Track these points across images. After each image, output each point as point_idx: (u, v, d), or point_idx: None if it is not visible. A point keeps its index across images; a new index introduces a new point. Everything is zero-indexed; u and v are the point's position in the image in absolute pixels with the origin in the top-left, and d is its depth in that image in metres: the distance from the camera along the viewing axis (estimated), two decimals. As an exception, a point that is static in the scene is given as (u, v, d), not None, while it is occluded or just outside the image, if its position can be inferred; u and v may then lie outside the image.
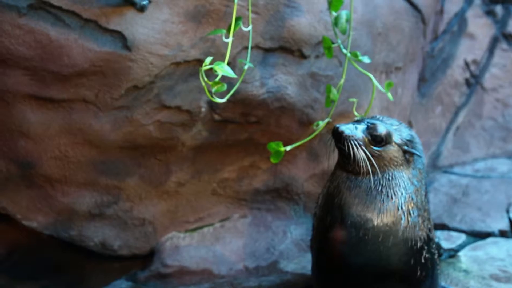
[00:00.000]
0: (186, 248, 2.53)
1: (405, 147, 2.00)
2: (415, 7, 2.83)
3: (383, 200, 1.94)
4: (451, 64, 3.26)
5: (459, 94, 3.32)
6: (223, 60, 1.94)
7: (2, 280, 2.48)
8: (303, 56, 2.36)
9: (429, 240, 2.00)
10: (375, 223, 1.92)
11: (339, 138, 1.98)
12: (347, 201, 1.96)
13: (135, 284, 2.47)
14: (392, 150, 1.99)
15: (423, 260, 1.96)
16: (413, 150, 2.01)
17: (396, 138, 2.00)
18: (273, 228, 2.65)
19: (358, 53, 2.18)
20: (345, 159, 1.99)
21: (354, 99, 2.27)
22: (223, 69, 1.90)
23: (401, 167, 2.00)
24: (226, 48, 1.98)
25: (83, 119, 2.13)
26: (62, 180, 2.29)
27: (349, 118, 2.49)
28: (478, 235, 2.75)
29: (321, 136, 2.44)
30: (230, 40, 1.97)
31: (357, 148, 1.95)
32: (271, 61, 2.32)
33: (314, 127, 2.25)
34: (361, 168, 1.97)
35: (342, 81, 2.22)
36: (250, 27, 2.07)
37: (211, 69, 1.89)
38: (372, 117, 2.10)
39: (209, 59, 1.88)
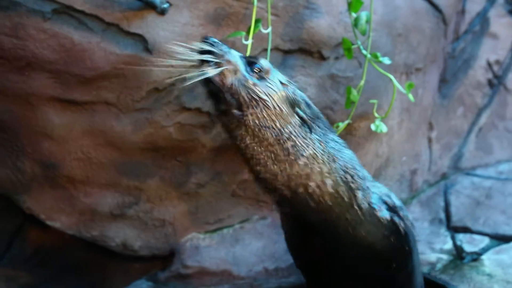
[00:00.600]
0: (206, 249, 2.54)
1: (297, 106, 1.66)
2: (436, 7, 2.79)
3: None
4: (473, 65, 3.21)
5: (482, 95, 3.27)
6: (242, 63, 1.95)
7: (26, 279, 2.52)
8: (323, 58, 2.35)
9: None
10: None
11: (206, 52, 1.63)
12: None
13: (155, 284, 2.48)
14: (277, 96, 1.62)
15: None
16: (303, 114, 1.66)
17: (282, 77, 1.69)
18: (293, 229, 2.64)
19: (378, 54, 2.17)
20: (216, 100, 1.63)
21: (375, 101, 2.25)
22: (242, 71, 1.90)
23: (294, 133, 1.64)
24: (246, 51, 1.99)
25: (105, 121, 2.17)
26: (84, 181, 2.33)
27: (369, 120, 2.48)
28: (502, 239, 2.69)
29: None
30: (249, 42, 1.98)
31: (218, 71, 1.58)
32: (291, 63, 2.32)
33: (334, 129, 2.24)
34: (228, 119, 1.62)
35: (362, 82, 2.20)
36: (269, 29, 2.08)
37: (231, 71, 1.90)
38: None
39: (229, 62, 1.88)
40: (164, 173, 2.39)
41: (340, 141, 1.79)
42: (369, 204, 1.72)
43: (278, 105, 1.61)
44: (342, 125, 2.22)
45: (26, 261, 2.54)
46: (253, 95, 1.60)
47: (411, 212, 2.93)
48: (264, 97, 1.61)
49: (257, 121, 1.61)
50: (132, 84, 2.09)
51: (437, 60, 2.99)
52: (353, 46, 2.19)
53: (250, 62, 1.66)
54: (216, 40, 1.67)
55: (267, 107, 1.60)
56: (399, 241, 1.76)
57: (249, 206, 2.60)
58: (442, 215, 2.89)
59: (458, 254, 2.58)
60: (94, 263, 2.58)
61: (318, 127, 1.70)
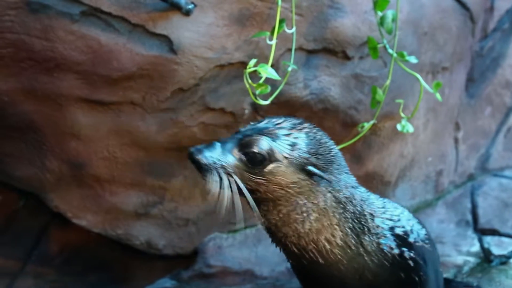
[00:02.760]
0: (228, 248, 2.55)
1: (306, 165, 1.57)
2: (463, 5, 2.74)
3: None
4: (501, 64, 3.13)
5: (510, 95, 3.19)
6: (266, 62, 1.95)
7: (53, 276, 2.57)
8: (347, 57, 2.33)
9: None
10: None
11: (198, 168, 1.56)
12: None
13: (178, 283, 2.50)
14: (281, 171, 1.56)
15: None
16: (315, 170, 1.56)
17: (283, 150, 1.56)
18: (316, 230, 2.62)
19: (405, 53, 2.14)
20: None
21: (401, 100, 2.22)
22: (267, 71, 1.91)
23: (306, 193, 1.57)
24: (270, 51, 1.99)
25: (131, 121, 2.19)
26: (110, 180, 2.36)
27: (394, 120, 2.45)
28: (531, 242, 2.63)
29: (364, 138, 2.41)
30: (274, 42, 1.98)
31: (220, 180, 1.51)
32: (315, 63, 2.30)
33: (359, 129, 2.22)
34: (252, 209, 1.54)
35: (388, 82, 2.18)
36: (293, 29, 2.07)
37: (255, 71, 1.91)
38: (259, 122, 1.68)
39: (253, 61, 1.89)
40: (188, 172, 2.40)
41: (352, 179, 1.73)
42: (377, 245, 1.69)
43: (287, 180, 1.57)
44: (367, 125, 2.20)
45: (53, 258, 2.58)
46: (259, 184, 1.57)
47: (437, 213, 2.90)
48: (272, 181, 1.56)
49: (270, 195, 1.59)
50: (157, 85, 2.11)
51: (464, 59, 2.94)
52: (378, 45, 2.16)
53: (247, 153, 1.57)
54: (200, 149, 1.58)
55: (277, 186, 1.57)
56: (408, 275, 1.73)
57: (273, 206, 2.59)
58: (469, 217, 2.84)
59: (486, 257, 2.53)
60: (118, 261, 2.61)
61: (332, 173, 1.63)
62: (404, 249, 1.72)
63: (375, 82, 2.37)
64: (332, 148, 1.68)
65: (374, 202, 1.74)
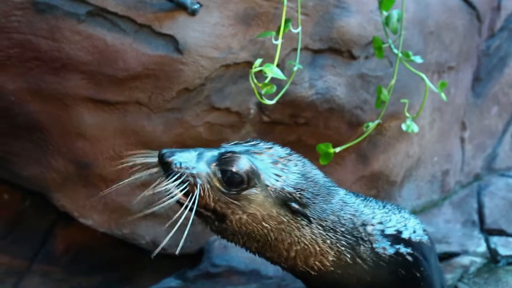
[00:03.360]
0: (234, 248, 2.49)
1: (289, 201, 1.44)
2: (469, 4, 2.73)
3: None
4: (508, 63, 3.11)
5: (517, 94, 3.18)
6: (272, 62, 1.95)
7: (59, 275, 2.58)
8: (353, 57, 2.32)
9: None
10: None
11: (166, 171, 1.40)
12: None
13: (184, 282, 2.50)
14: (259, 199, 1.40)
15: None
16: (298, 207, 1.45)
17: (267, 177, 1.40)
18: (321, 230, 2.62)
19: (410, 53, 2.13)
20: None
21: (406, 100, 2.21)
22: (272, 71, 1.91)
23: (287, 228, 1.45)
24: (275, 50, 1.99)
25: (137, 121, 2.19)
26: (116, 179, 2.35)
27: (400, 120, 2.44)
28: (538, 242, 2.62)
29: (370, 137, 2.40)
30: (279, 42, 1.98)
31: (185, 190, 1.35)
32: (320, 63, 2.30)
33: (364, 129, 2.22)
34: (211, 226, 1.43)
35: (393, 81, 2.17)
36: (299, 29, 2.07)
37: (260, 71, 1.90)
38: (247, 141, 1.55)
39: (259, 61, 1.89)
40: (194, 172, 2.40)
41: (340, 196, 1.66)
42: (371, 250, 1.66)
43: (263, 212, 1.45)
44: (372, 125, 2.19)
45: (59, 257, 2.60)
46: (233, 211, 1.43)
47: (443, 213, 2.88)
48: (246, 210, 1.43)
49: (244, 228, 1.47)
50: (163, 84, 2.11)
51: (471, 58, 2.92)
52: (384, 45, 2.16)
53: (224, 170, 1.41)
54: (173, 152, 1.43)
55: (251, 216, 1.44)
56: (408, 271, 1.72)
57: (278, 206, 2.59)
58: (475, 217, 2.82)
59: (493, 257, 2.52)
60: (124, 261, 2.62)
61: (316, 205, 1.54)
62: (399, 246, 1.70)
63: (381, 82, 2.36)
64: (317, 180, 1.58)
65: (363, 211, 1.70)
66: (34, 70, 2.02)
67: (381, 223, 1.71)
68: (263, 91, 1.94)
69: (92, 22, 1.98)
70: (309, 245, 1.54)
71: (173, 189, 1.41)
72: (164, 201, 1.41)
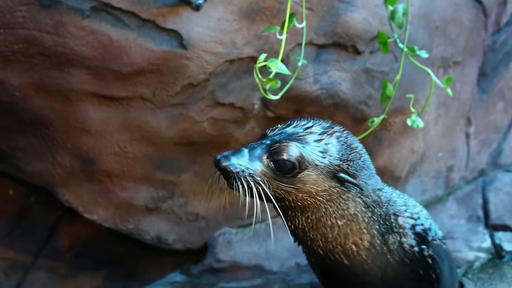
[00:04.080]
0: (238, 243, 2.55)
1: (337, 172, 1.53)
2: (475, -2, 2.71)
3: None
4: (515, 58, 3.09)
5: (523, 89, 3.15)
6: (276, 57, 1.95)
7: (64, 270, 2.59)
8: (357, 52, 2.31)
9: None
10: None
11: (225, 175, 1.51)
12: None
13: (188, 277, 2.51)
14: (312, 179, 1.50)
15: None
16: (347, 177, 1.52)
17: (315, 157, 1.50)
18: (325, 225, 2.62)
19: (415, 48, 2.12)
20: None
21: (411, 95, 2.20)
22: (277, 66, 1.90)
23: (336, 200, 1.54)
24: (280, 45, 1.98)
25: (141, 116, 2.19)
26: (120, 175, 2.37)
27: (405, 115, 2.43)
28: (544, 237, 2.60)
29: (375, 133, 2.39)
30: (284, 37, 1.97)
31: (249, 189, 1.45)
32: (325, 58, 2.29)
33: (369, 124, 2.21)
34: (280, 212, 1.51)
35: (398, 76, 2.16)
36: (304, 24, 2.06)
37: (264, 66, 1.90)
38: (288, 125, 1.59)
39: (263, 56, 1.89)
40: (198, 168, 2.40)
41: (378, 180, 1.71)
42: (399, 244, 1.69)
43: (317, 188, 1.53)
44: (377, 120, 2.19)
45: (64, 252, 2.61)
46: (288, 192, 1.52)
47: (447, 209, 2.88)
48: (302, 190, 1.52)
49: (299, 203, 1.54)
50: (167, 80, 2.11)
51: (477, 53, 2.90)
52: (389, 40, 2.15)
53: (276, 161, 1.50)
54: (227, 156, 1.52)
55: (307, 194, 1.53)
56: (426, 272, 1.74)
57: (282, 201, 2.58)
58: (480, 213, 2.81)
59: (497, 253, 2.51)
60: (129, 256, 2.63)
61: (362, 179, 1.59)
62: (424, 246, 1.72)
63: (386, 77, 2.35)
64: (362, 153, 1.63)
65: (396, 201, 1.73)
66: (38, 65, 2.02)
67: (412, 218, 1.72)
68: (267, 86, 1.94)
69: (96, 17, 1.97)
70: (351, 221, 1.58)
71: (254, 198, 1.52)
72: (253, 213, 1.51)
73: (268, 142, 1.55)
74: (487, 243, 2.58)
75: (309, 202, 1.54)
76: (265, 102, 2.29)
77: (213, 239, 2.55)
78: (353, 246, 1.63)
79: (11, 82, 2.05)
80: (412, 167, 2.78)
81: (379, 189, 1.67)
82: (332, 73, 2.30)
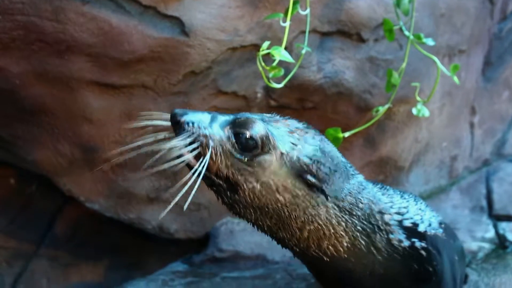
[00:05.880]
0: (240, 233, 2.54)
1: (304, 173, 1.39)
2: (482, -15, 2.67)
3: None
4: (521, 46, 3.05)
5: (529, 79, 3.12)
6: (279, 45, 1.91)
7: (67, 259, 2.60)
8: (362, 40, 2.28)
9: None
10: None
11: (177, 132, 1.34)
12: None
13: (190, 267, 2.51)
14: (273, 167, 1.35)
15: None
16: (314, 180, 1.39)
17: (282, 144, 1.36)
18: (328, 215, 2.61)
19: (422, 35, 2.09)
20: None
21: (417, 84, 2.17)
22: (280, 54, 1.87)
23: (302, 204, 1.40)
24: (283, 33, 1.95)
25: (142, 105, 2.17)
26: (122, 164, 2.34)
27: (409, 104, 2.41)
28: (547, 228, 2.59)
29: (378, 122, 2.37)
30: (287, 24, 1.94)
31: (199, 155, 1.28)
32: (329, 46, 2.26)
33: (374, 113, 2.19)
34: (223, 198, 1.36)
35: (404, 64, 2.13)
36: (307, 11, 2.02)
37: (268, 54, 1.87)
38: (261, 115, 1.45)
39: (266, 44, 1.86)
40: (200, 157, 2.38)
41: (359, 180, 1.60)
42: (387, 241, 1.62)
43: (278, 182, 1.38)
44: (382, 109, 2.16)
45: (66, 241, 2.61)
46: (246, 178, 1.35)
47: (450, 199, 2.87)
48: (260, 178, 1.36)
49: (257, 200, 1.39)
50: (169, 68, 2.08)
51: (482, 42, 2.87)
52: (394, 27, 2.11)
53: (238, 134, 1.36)
54: (185, 111, 1.36)
55: (265, 186, 1.37)
56: (421, 266, 1.68)
57: (285, 191, 2.57)
58: (484, 203, 2.80)
59: (501, 243, 2.51)
60: (131, 245, 2.63)
61: (334, 183, 1.47)
62: (414, 239, 1.67)
63: (390, 65, 2.32)
64: (335, 157, 1.52)
65: (381, 198, 1.65)
66: (38, 52, 2.00)
67: (399, 213, 1.66)
68: (270, 75, 1.91)
69: (96, 3, 1.94)
70: (324, 226, 1.47)
71: (183, 149, 1.32)
72: (172, 160, 1.31)
73: (237, 116, 1.41)
74: (490, 233, 2.58)
75: (267, 202, 1.39)
76: (268, 90, 2.26)
77: (215, 229, 2.55)
78: (330, 247, 1.53)
79: (10, 69, 2.02)
80: (415, 157, 2.76)
81: (358, 191, 1.56)
82: (336, 62, 2.27)
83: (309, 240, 1.51)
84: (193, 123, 1.34)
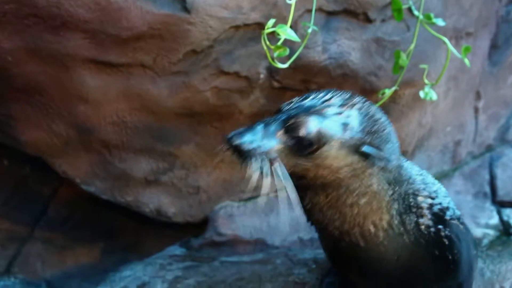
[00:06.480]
0: (240, 217, 2.52)
1: (360, 146, 1.43)
2: (491, -34, 2.60)
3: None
4: (529, 29, 3.00)
5: (536, 63, 3.07)
6: (284, 24, 1.85)
7: (62, 241, 2.58)
8: (368, 20, 2.22)
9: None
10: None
11: (239, 155, 1.40)
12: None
13: (188, 250, 2.49)
14: (332, 155, 1.42)
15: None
16: (371, 150, 1.44)
17: (334, 132, 1.41)
18: (329, 200, 2.58)
19: (432, 15, 2.02)
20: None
21: (425, 66, 2.12)
22: (286, 32, 1.81)
23: (360, 175, 1.45)
24: (288, 11, 1.89)
25: (141, 84, 2.11)
26: (119, 145, 2.30)
27: (414, 87, 2.36)
28: (551, 214, 2.58)
29: (383, 105, 2.32)
30: (293, 1, 1.87)
31: (264, 168, 1.36)
32: (334, 25, 2.20)
33: (380, 96, 2.14)
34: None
35: (412, 45, 2.08)
36: (314, -12, 1.95)
37: (272, 33, 1.81)
38: (304, 98, 1.49)
39: (271, 22, 1.80)
40: (200, 139, 2.33)
41: (401, 157, 1.62)
42: (416, 224, 1.61)
43: (338, 164, 1.43)
44: (389, 92, 2.11)
45: (61, 223, 2.58)
46: (306, 170, 1.42)
47: (453, 184, 2.85)
48: (322, 166, 1.42)
49: (313, 181, 1.45)
50: (169, 46, 2.01)
51: (489, 24, 2.81)
52: (403, 7, 2.04)
53: (293, 137, 1.40)
54: (240, 133, 1.41)
55: (327, 170, 1.43)
56: (442, 252, 1.67)
57: (287, 175, 2.53)
58: (487, 189, 2.79)
59: (505, 229, 2.50)
60: (128, 228, 2.61)
61: (387, 151, 1.49)
62: (440, 226, 1.66)
63: (397, 47, 2.26)
64: (386, 125, 1.52)
65: (416, 179, 1.65)
66: (31, 28, 1.92)
67: (430, 197, 1.65)
68: (275, 54, 1.85)
69: (93, -24, 1.86)
70: (373, 200, 1.50)
71: (258, 177, 1.39)
72: (263, 192, 1.40)
73: (284, 117, 1.44)
74: (494, 220, 2.57)
75: (329, 180, 1.44)
76: (271, 71, 2.20)
77: (214, 213, 2.51)
78: (372, 227, 1.55)
79: (2, 45, 1.95)
80: (419, 142, 2.73)
81: (400, 166, 1.59)
82: (342, 42, 2.21)
83: (355, 220, 1.52)
84: (249, 145, 1.39)
